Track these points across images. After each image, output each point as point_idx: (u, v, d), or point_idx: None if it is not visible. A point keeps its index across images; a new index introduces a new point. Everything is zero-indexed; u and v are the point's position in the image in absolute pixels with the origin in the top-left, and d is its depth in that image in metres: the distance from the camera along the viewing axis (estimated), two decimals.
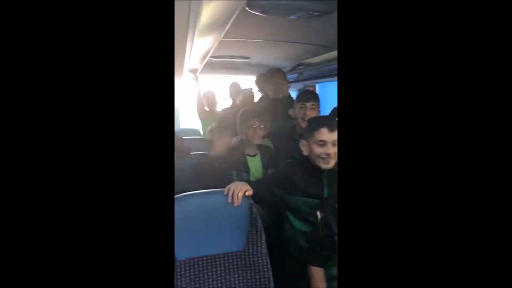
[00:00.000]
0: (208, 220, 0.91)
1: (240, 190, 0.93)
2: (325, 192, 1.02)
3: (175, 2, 0.52)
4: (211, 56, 1.64)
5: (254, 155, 1.33)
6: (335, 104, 1.56)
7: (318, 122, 1.02)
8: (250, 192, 0.96)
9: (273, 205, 1.18)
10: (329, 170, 1.00)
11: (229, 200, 0.91)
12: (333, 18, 1.05)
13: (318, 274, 0.91)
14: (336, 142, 0.98)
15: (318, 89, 2.22)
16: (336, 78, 1.69)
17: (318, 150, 0.98)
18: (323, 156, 0.97)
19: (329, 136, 0.97)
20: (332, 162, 0.99)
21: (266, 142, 1.42)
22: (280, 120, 1.56)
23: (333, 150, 0.97)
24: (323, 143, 0.97)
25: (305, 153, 1.02)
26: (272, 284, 0.92)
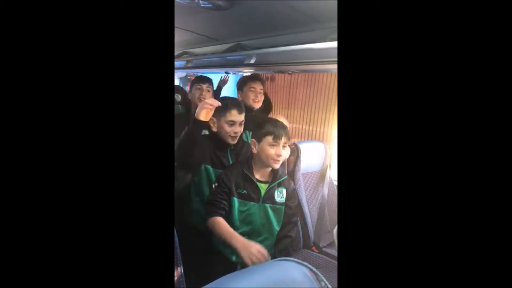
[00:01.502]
0: None
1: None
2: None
3: None
4: None
5: None
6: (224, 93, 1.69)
7: (230, 104, 1.14)
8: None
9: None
10: (233, 145, 1.16)
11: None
12: (227, 14, 1.17)
13: (222, 222, 1.01)
14: (243, 123, 1.16)
15: None
16: (219, 69, 1.84)
17: (228, 128, 1.12)
18: (232, 134, 1.13)
19: (238, 117, 1.13)
20: (236, 140, 1.17)
21: None
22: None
23: (240, 129, 1.14)
24: (232, 123, 1.12)
25: (215, 129, 1.14)
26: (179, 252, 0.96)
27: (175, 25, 1.55)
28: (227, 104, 1.14)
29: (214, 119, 1.14)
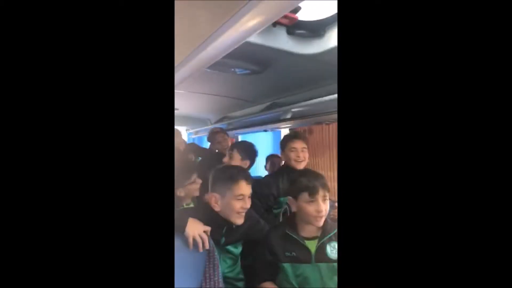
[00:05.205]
0: None
1: (200, 234, 0.89)
2: None
3: None
4: None
5: None
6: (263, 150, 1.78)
7: (236, 174, 1.07)
8: (208, 229, 0.93)
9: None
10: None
11: (200, 250, 0.88)
12: (261, 77, 1.30)
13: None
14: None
15: (240, 139, 2.45)
16: (258, 128, 1.95)
17: (236, 204, 1.04)
18: (240, 211, 1.04)
19: (247, 189, 1.06)
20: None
21: None
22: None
23: (249, 203, 1.07)
24: (242, 197, 1.04)
25: (218, 209, 1.06)
26: None
27: (213, 92, 1.74)
28: (232, 174, 1.05)
29: (217, 196, 1.04)
